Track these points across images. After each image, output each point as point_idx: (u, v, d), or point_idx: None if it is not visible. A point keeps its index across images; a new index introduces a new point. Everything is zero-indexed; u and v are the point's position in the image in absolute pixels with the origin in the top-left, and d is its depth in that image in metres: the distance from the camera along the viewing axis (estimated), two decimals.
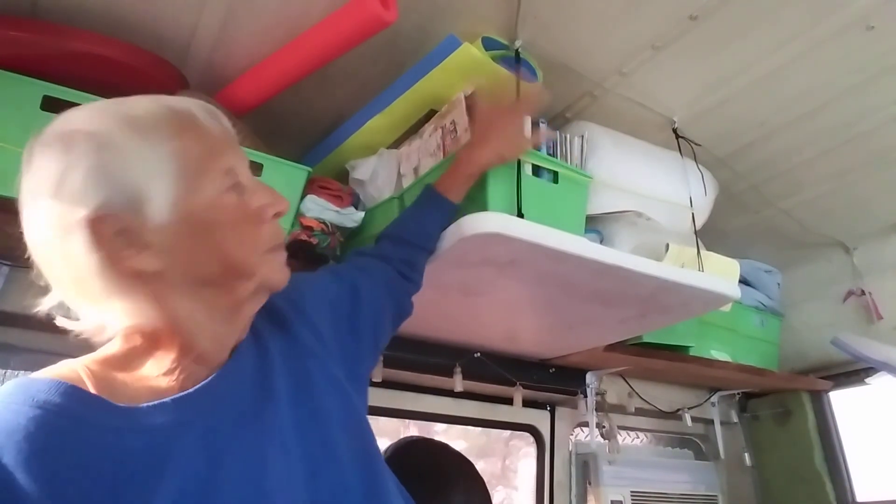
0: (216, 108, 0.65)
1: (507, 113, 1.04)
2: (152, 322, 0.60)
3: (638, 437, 2.15)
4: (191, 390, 0.60)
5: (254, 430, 0.62)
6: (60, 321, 0.61)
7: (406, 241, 0.98)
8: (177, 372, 0.61)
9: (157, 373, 0.61)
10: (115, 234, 0.56)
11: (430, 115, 1.25)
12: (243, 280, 0.63)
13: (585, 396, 1.72)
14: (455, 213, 1.01)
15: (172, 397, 0.59)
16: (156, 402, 0.58)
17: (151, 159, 0.58)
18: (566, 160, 1.25)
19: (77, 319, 0.61)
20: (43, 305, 0.61)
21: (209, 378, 0.62)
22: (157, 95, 0.63)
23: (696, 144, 1.49)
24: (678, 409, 1.95)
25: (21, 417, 0.51)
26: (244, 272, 0.63)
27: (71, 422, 0.53)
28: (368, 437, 0.74)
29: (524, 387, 1.60)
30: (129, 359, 0.61)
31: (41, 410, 0.52)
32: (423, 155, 1.23)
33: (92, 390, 0.56)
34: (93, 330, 0.61)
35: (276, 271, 0.66)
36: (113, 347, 0.62)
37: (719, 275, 1.33)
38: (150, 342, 0.61)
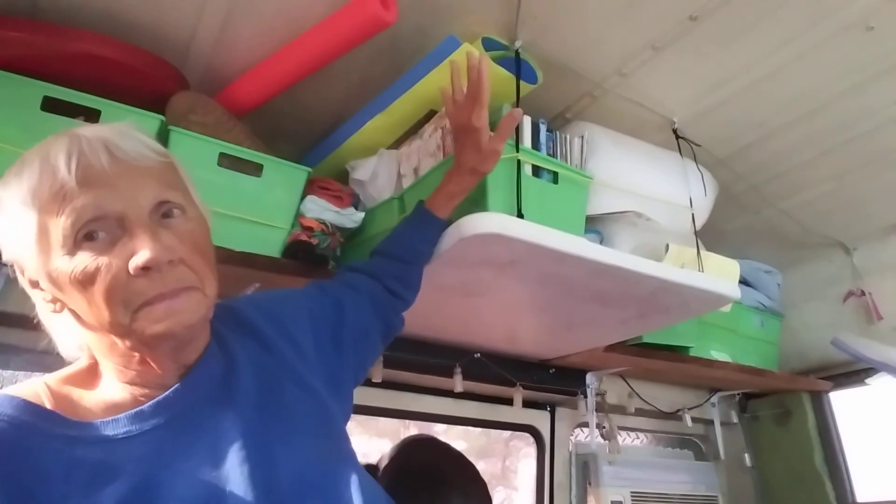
0: (104, 140, 0.62)
1: (473, 129, 0.99)
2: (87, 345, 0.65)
3: (638, 438, 2.15)
4: (145, 406, 0.62)
5: (212, 434, 0.63)
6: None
7: (396, 257, 0.99)
8: (134, 387, 0.63)
9: (115, 388, 0.63)
10: (20, 274, 0.63)
11: (430, 115, 1.25)
12: (120, 336, 0.60)
13: (585, 397, 1.72)
14: (444, 228, 1.03)
15: (126, 413, 0.61)
16: (109, 419, 0.60)
17: (18, 228, 0.61)
18: (566, 160, 1.25)
19: None
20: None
21: (164, 394, 0.63)
22: (45, 142, 0.63)
23: (695, 145, 1.49)
24: (678, 410, 1.95)
25: None
26: (118, 331, 0.60)
27: (21, 431, 0.56)
28: (342, 444, 0.74)
29: (524, 387, 1.60)
30: (90, 375, 0.65)
31: None
32: (423, 155, 1.23)
33: (48, 406, 0.60)
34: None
35: (146, 325, 0.59)
36: (79, 364, 0.67)
37: (719, 275, 1.33)
38: (97, 366, 0.65)
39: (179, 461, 0.60)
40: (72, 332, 0.65)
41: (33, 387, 0.62)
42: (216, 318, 0.68)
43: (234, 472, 0.61)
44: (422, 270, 1.03)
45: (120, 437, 0.59)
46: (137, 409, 0.61)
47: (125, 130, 0.65)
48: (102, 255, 0.58)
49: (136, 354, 0.62)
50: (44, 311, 0.65)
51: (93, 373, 0.65)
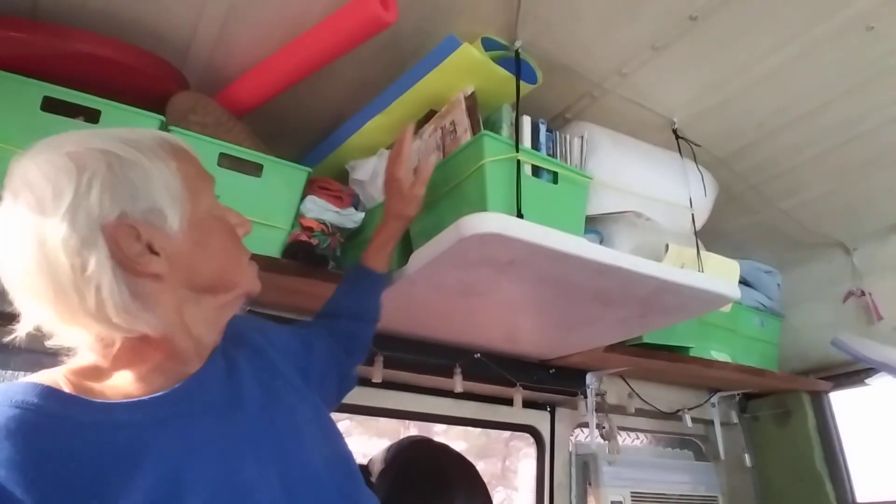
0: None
1: (396, 179, 1.08)
2: (152, 328, 0.62)
3: (638, 438, 2.15)
4: (166, 391, 0.63)
5: (228, 429, 0.65)
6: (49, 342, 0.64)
7: (345, 316, 1.03)
8: (153, 377, 0.64)
9: (130, 381, 0.63)
10: (133, 242, 0.61)
11: (430, 115, 1.25)
12: (230, 287, 0.70)
13: (585, 397, 1.72)
14: (385, 281, 1.08)
15: (149, 396, 0.62)
16: (133, 400, 0.61)
17: (161, 174, 0.64)
18: (566, 161, 1.25)
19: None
20: (19, 330, 0.63)
21: (182, 382, 0.65)
22: (133, 128, 0.69)
23: (696, 145, 1.49)
24: (678, 410, 1.95)
25: (1, 417, 0.54)
26: (231, 279, 0.70)
27: (49, 419, 0.56)
28: (339, 439, 0.78)
29: (524, 387, 1.60)
30: (99, 371, 0.64)
31: (20, 410, 0.55)
32: (423, 155, 1.23)
33: (68, 391, 0.60)
34: (75, 345, 0.64)
35: (254, 281, 0.74)
36: (83, 360, 0.64)
37: (719, 275, 1.33)
38: (131, 352, 0.63)
39: (202, 450, 0.61)
40: (147, 310, 0.62)
41: (51, 375, 0.62)
42: None
43: (253, 464, 0.63)
44: (371, 328, 1.07)
45: (144, 422, 0.60)
46: (156, 394, 0.62)
47: None
48: (223, 215, 0.72)
49: (225, 312, 0.71)
50: (125, 283, 0.60)
51: (100, 370, 0.64)
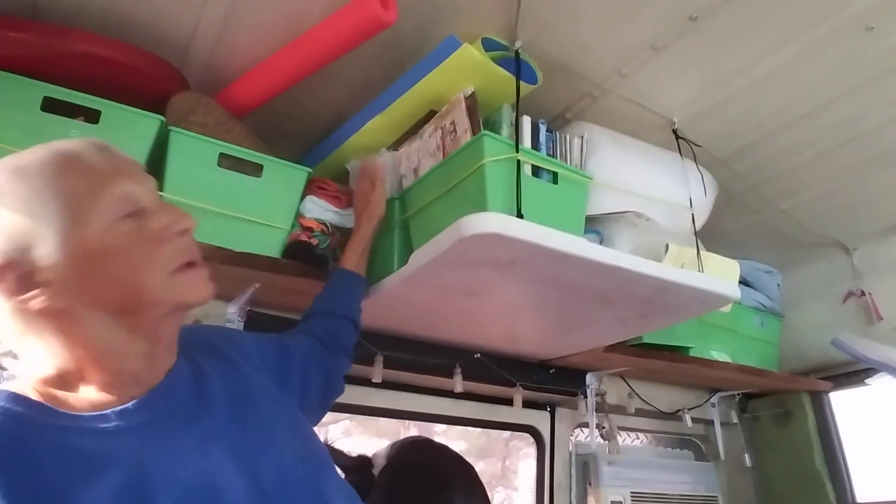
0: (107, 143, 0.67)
1: (363, 191, 1.20)
2: (67, 361, 0.62)
3: (638, 438, 2.15)
4: (129, 404, 0.63)
5: (195, 433, 0.65)
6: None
7: (324, 313, 1.06)
8: (112, 390, 0.64)
9: (94, 391, 0.63)
10: (16, 281, 0.59)
11: (430, 115, 1.25)
12: (148, 305, 0.63)
13: (585, 397, 1.72)
14: (363, 283, 1.15)
15: (113, 409, 0.62)
16: (98, 413, 0.61)
17: (33, 202, 0.60)
18: (566, 161, 1.25)
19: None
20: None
21: (145, 394, 0.64)
22: (51, 143, 0.65)
23: (695, 145, 1.49)
24: (678, 410, 1.95)
25: None
26: (146, 298, 0.63)
27: (17, 421, 0.57)
28: (312, 438, 0.78)
29: (524, 387, 1.60)
30: (65, 380, 0.64)
31: None
32: (423, 155, 1.23)
33: (38, 399, 0.61)
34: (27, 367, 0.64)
35: (189, 290, 0.65)
36: (46, 372, 0.63)
37: (719, 275, 1.33)
38: (75, 376, 0.63)
39: (170, 453, 0.62)
40: (51, 345, 0.62)
41: (19, 384, 0.63)
42: (181, 337, 0.71)
43: (222, 465, 0.63)
44: (348, 326, 1.08)
45: (109, 430, 0.60)
46: (122, 406, 0.62)
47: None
48: (142, 228, 0.63)
49: (160, 328, 0.65)
50: (28, 324, 0.61)
51: (66, 380, 0.64)
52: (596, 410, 1.71)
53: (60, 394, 0.63)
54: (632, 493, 1.82)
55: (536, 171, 1.15)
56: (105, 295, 0.61)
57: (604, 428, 1.72)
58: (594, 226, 1.39)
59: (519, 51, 1.20)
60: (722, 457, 2.02)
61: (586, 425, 1.76)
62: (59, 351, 0.62)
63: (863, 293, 1.87)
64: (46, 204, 0.59)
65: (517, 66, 1.18)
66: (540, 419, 1.83)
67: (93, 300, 0.61)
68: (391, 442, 1.25)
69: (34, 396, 0.61)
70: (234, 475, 0.63)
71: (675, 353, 1.64)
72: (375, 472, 1.17)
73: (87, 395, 0.63)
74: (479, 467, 1.23)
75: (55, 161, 0.62)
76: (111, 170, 0.64)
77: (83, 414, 0.61)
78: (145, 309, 0.63)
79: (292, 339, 0.96)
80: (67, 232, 0.59)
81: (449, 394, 1.55)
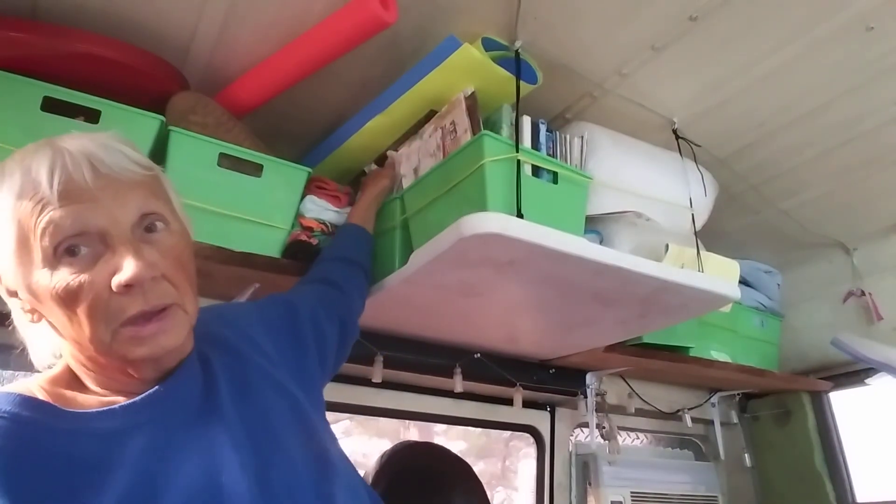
0: (85, 152, 0.61)
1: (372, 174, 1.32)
2: (69, 352, 0.65)
3: (638, 438, 2.15)
4: (137, 399, 0.63)
5: (202, 432, 0.65)
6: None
7: (335, 258, 1.11)
8: (120, 385, 0.64)
9: (102, 388, 0.64)
10: (5, 287, 0.64)
11: (430, 115, 1.25)
12: (104, 354, 0.61)
13: (585, 397, 1.72)
14: (370, 238, 1.21)
15: (120, 404, 0.62)
16: (105, 409, 0.61)
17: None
18: (566, 160, 1.25)
19: None
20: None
21: (153, 389, 0.64)
22: (27, 152, 0.62)
23: (696, 145, 1.49)
24: (678, 410, 1.95)
25: None
26: (98, 348, 0.60)
27: (25, 428, 0.57)
28: (321, 435, 0.76)
29: (524, 387, 1.60)
30: (73, 378, 0.66)
31: None
32: (423, 155, 1.23)
33: (44, 400, 0.61)
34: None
35: (129, 349, 0.59)
36: (58, 368, 0.67)
37: (719, 275, 1.33)
38: (82, 369, 0.65)
39: (175, 454, 0.61)
40: (48, 341, 0.66)
41: (25, 384, 0.63)
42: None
43: (228, 466, 0.63)
44: (363, 275, 1.11)
45: (116, 430, 0.60)
46: (126, 403, 0.62)
47: (109, 143, 0.64)
48: (84, 272, 0.58)
49: (115, 366, 0.63)
50: (20, 320, 0.66)
51: (74, 376, 0.65)
52: (596, 410, 1.71)
53: (69, 393, 0.63)
54: (632, 493, 1.82)
55: (536, 171, 1.15)
56: (63, 329, 0.62)
57: (604, 428, 1.72)
58: (594, 226, 1.39)
59: (519, 51, 1.20)
60: (722, 457, 2.02)
61: (586, 425, 1.76)
62: (55, 344, 0.65)
63: (863, 293, 1.87)
64: (4, 240, 0.61)
65: (517, 66, 1.18)
66: (540, 419, 1.83)
67: (55, 327, 0.63)
68: (379, 454, 1.25)
69: (41, 396, 0.61)
70: (240, 476, 0.63)
71: (675, 353, 1.64)
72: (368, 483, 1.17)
73: (95, 392, 0.64)
74: (479, 467, 1.23)
75: (17, 185, 0.60)
76: (59, 195, 0.58)
77: (90, 411, 0.61)
78: (99, 355, 0.62)
79: (299, 297, 0.95)
80: (18, 272, 0.61)
81: (449, 394, 1.55)
